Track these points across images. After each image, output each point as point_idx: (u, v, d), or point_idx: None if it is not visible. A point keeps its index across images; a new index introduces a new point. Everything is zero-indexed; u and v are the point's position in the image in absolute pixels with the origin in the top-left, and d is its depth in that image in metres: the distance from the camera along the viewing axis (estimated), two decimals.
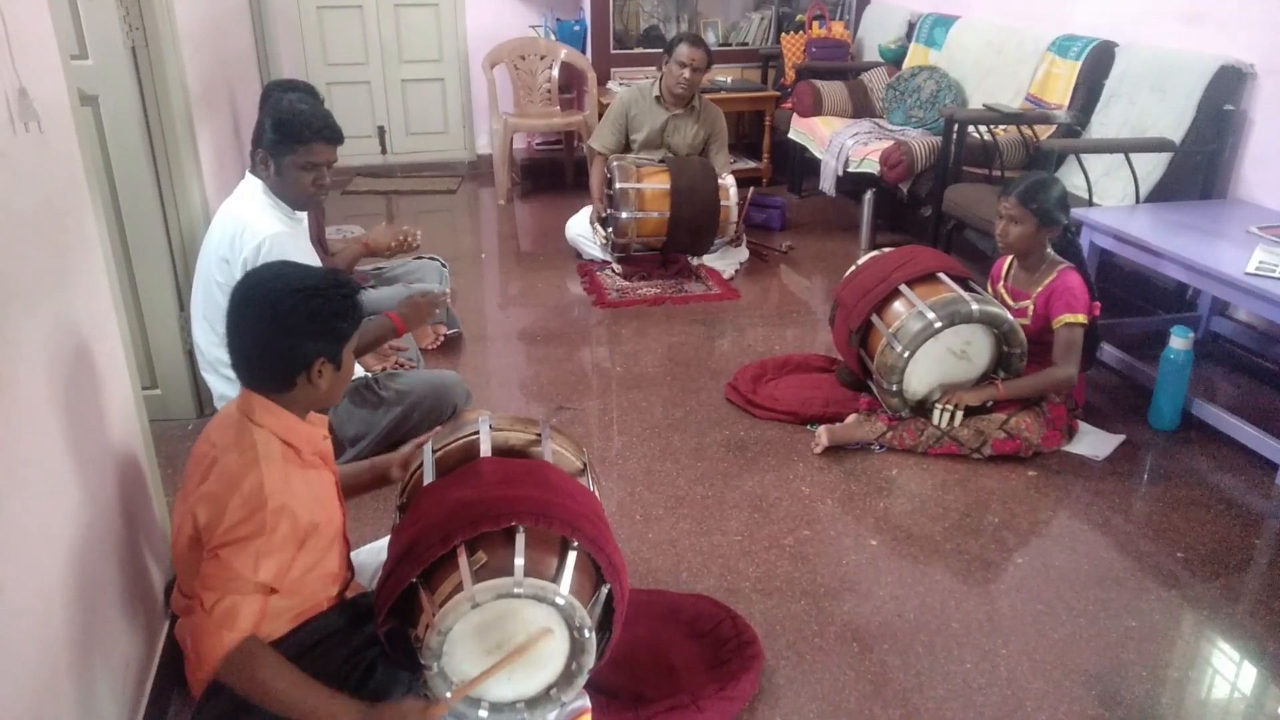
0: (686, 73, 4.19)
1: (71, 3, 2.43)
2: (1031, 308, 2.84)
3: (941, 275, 2.84)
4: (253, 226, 2.37)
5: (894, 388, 2.79)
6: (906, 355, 2.73)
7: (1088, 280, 2.83)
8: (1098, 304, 2.83)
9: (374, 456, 2.05)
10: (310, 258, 2.53)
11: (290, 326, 1.57)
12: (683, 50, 4.19)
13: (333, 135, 2.46)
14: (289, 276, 1.60)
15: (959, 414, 2.77)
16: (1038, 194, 2.75)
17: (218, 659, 1.47)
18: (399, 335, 2.51)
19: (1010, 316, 2.73)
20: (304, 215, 2.56)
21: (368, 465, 1.98)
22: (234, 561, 1.49)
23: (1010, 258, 2.97)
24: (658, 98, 4.33)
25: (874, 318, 2.87)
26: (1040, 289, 2.84)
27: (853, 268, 3.12)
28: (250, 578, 1.49)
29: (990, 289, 2.98)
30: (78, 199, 1.77)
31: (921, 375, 2.81)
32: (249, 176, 2.47)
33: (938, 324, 2.69)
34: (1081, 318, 2.75)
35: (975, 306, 2.69)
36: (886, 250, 3.13)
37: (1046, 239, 2.82)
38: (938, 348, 2.76)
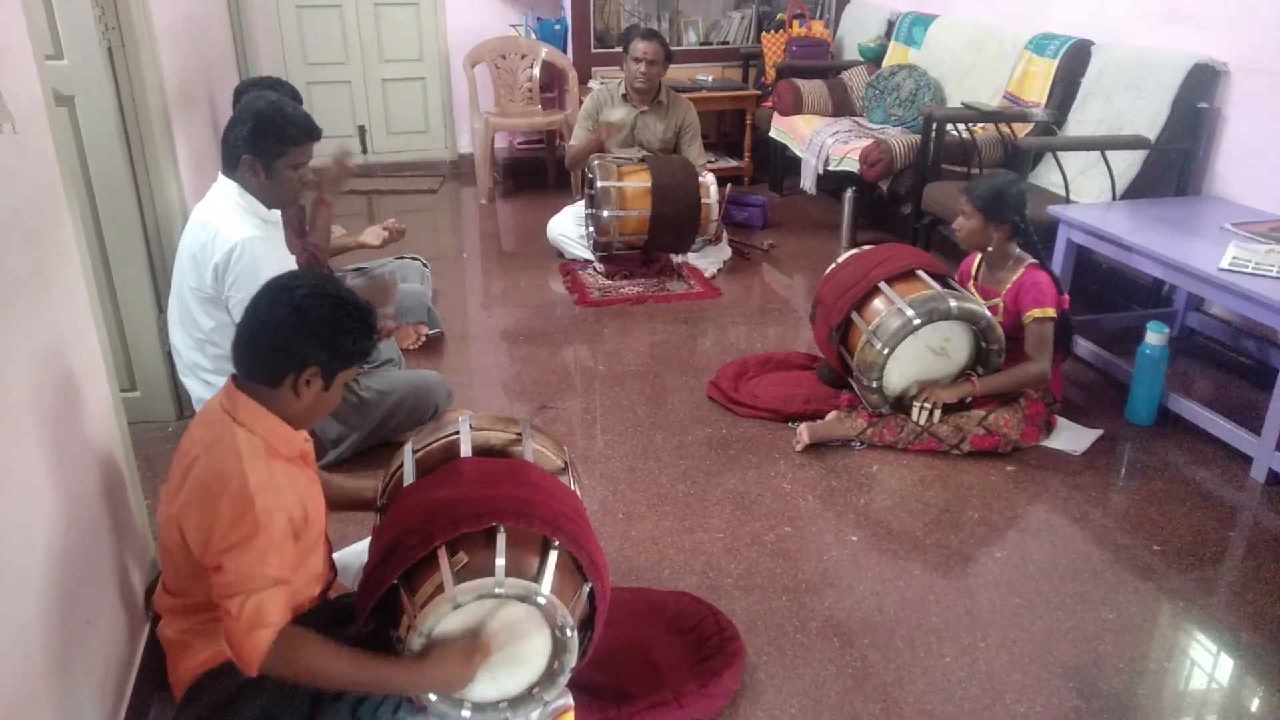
0: (642, 67, 4.21)
1: (46, 2, 2.41)
2: (1001, 305, 2.87)
3: (920, 273, 2.87)
4: (224, 232, 2.35)
5: (874, 384, 2.81)
6: (886, 352, 2.75)
7: (1053, 275, 2.87)
8: (1066, 297, 2.87)
9: (366, 474, 2.04)
10: (286, 259, 2.52)
11: (304, 325, 1.57)
12: (637, 46, 4.22)
13: (318, 133, 2.46)
14: (328, 286, 1.61)
15: (937, 411, 2.79)
16: (986, 192, 2.81)
17: (259, 659, 1.47)
18: None
19: (988, 313, 2.75)
20: (279, 215, 2.54)
21: (354, 486, 1.98)
22: (240, 564, 1.47)
23: (979, 257, 3.00)
24: (625, 96, 4.35)
25: (854, 315, 2.89)
26: (1008, 286, 2.87)
27: (833, 265, 3.14)
28: (261, 573, 1.48)
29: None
30: (54, 200, 1.75)
31: (901, 372, 2.83)
32: (221, 179, 2.44)
33: (916, 321, 2.71)
34: (1050, 312, 2.79)
35: (953, 303, 2.71)
36: (866, 248, 3.15)
37: (995, 236, 2.86)
38: (917, 345, 2.78)
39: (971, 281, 3.01)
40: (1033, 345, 2.81)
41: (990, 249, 2.90)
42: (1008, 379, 2.81)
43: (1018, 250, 2.90)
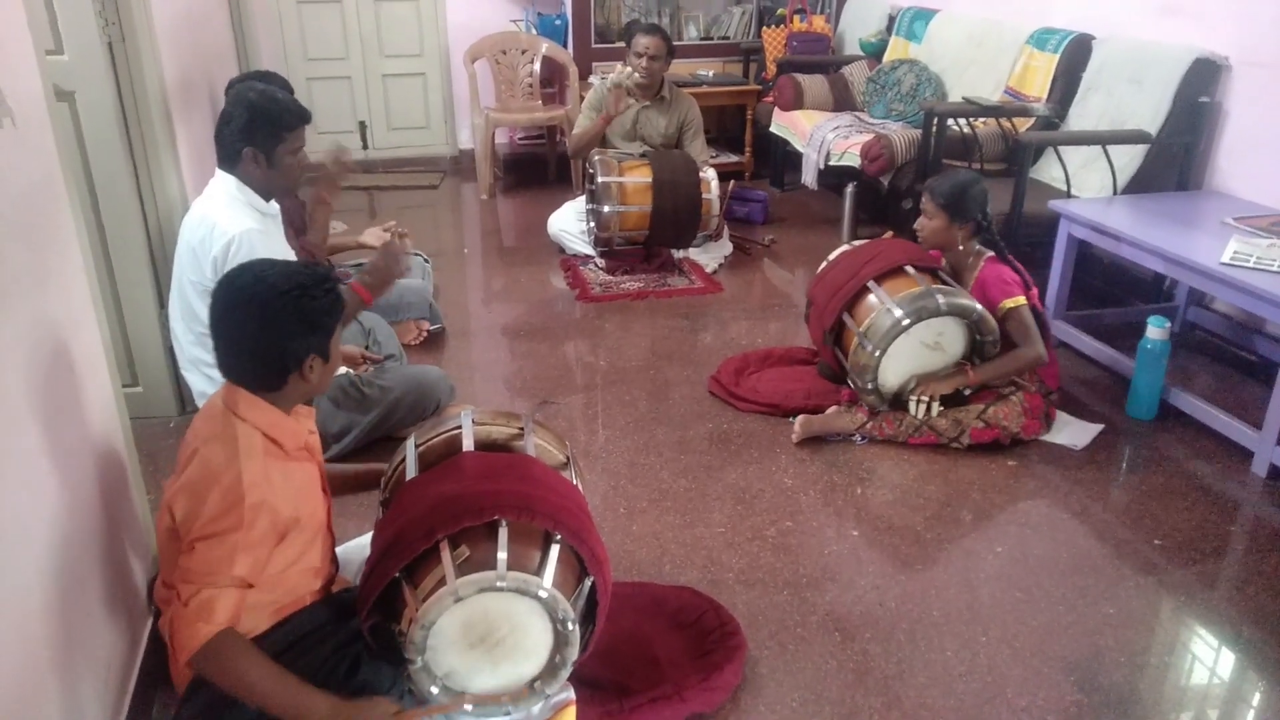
0: (644, 61, 4.21)
1: None
2: None
3: (909, 268, 2.85)
4: (221, 225, 2.36)
5: (869, 386, 2.80)
6: (878, 354, 2.74)
7: (1015, 269, 2.87)
8: (1035, 291, 2.87)
9: (353, 459, 2.06)
10: (285, 251, 2.53)
11: (280, 329, 1.58)
12: (639, 40, 4.21)
13: (309, 116, 2.49)
14: (272, 277, 1.59)
15: (935, 404, 2.79)
16: (950, 191, 2.81)
17: (193, 651, 1.48)
18: (367, 305, 2.51)
19: (979, 305, 2.74)
20: (276, 206, 2.55)
21: (364, 470, 1.99)
22: (210, 555, 1.49)
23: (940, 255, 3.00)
24: (627, 91, 4.34)
25: (845, 316, 2.88)
26: (972, 284, 2.87)
27: (825, 263, 3.13)
28: (226, 571, 1.49)
29: None
30: (54, 196, 1.75)
31: (896, 370, 2.82)
32: (219, 174, 2.45)
33: (905, 321, 2.70)
34: (1021, 299, 2.79)
35: (942, 300, 2.70)
36: (858, 243, 3.14)
37: (960, 235, 2.86)
38: (910, 342, 2.76)
39: None
40: (1018, 335, 2.80)
41: (960, 248, 2.90)
42: (1003, 365, 2.80)
43: (978, 246, 2.91)
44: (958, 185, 2.82)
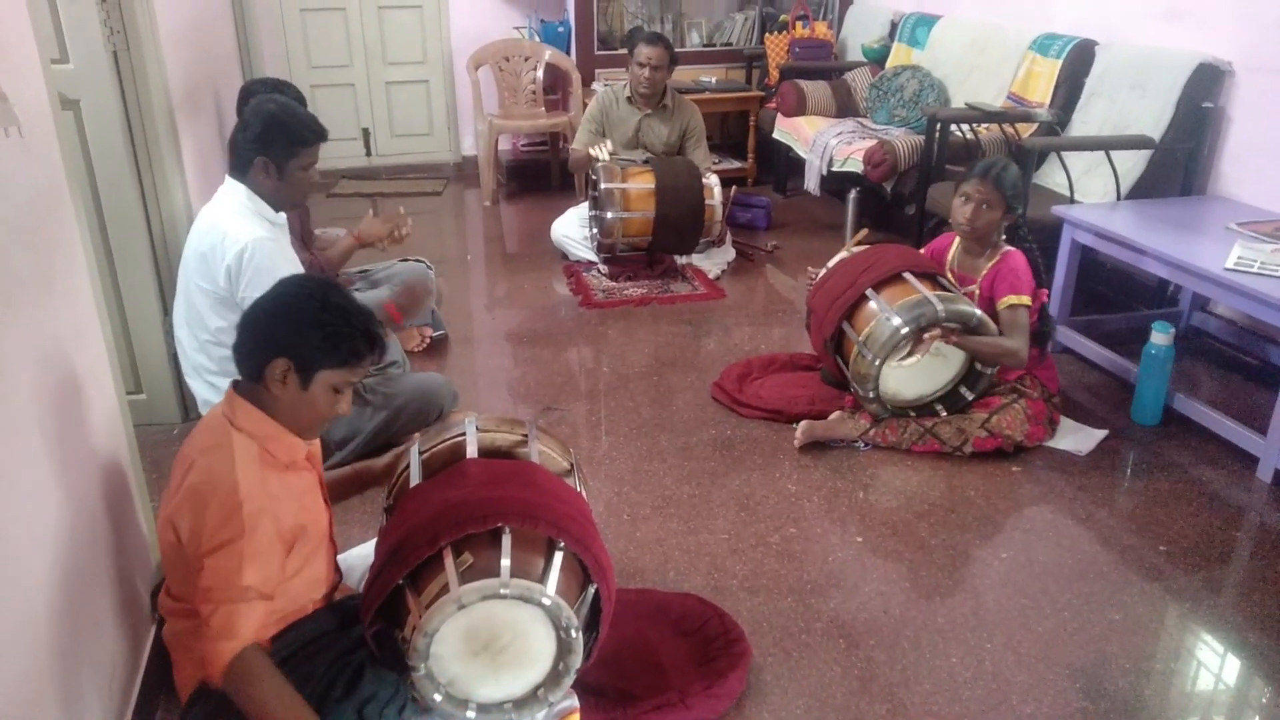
0: (646, 72, 4.21)
1: (52, 6, 2.41)
2: (977, 292, 2.85)
3: (907, 275, 2.83)
4: (232, 233, 2.37)
5: (870, 395, 2.80)
6: (878, 364, 2.73)
7: (1035, 266, 2.85)
8: (1045, 291, 2.85)
9: (357, 462, 2.06)
10: (294, 261, 2.53)
11: (275, 314, 1.59)
12: (641, 50, 4.22)
13: (325, 134, 2.50)
14: (317, 287, 1.62)
15: (941, 409, 2.77)
16: (1010, 179, 2.76)
17: (220, 670, 1.47)
18: (397, 324, 2.51)
19: (978, 311, 2.72)
20: (284, 218, 2.56)
21: (350, 471, 1.99)
22: (220, 568, 1.48)
23: (956, 241, 2.97)
24: (629, 99, 4.35)
25: (845, 325, 2.87)
26: (985, 272, 2.85)
27: (823, 271, 3.12)
28: (237, 582, 1.48)
29: None
30: (59, 203, 1.76)
31: (899, 377, 2.81)
32: (229, 181, 2.47)
33: (904, 330, 2.69)
34: (1026, 299, 2.76)
35: (940, 307, 2.68)
36: (856, 250, 3.12)
37: (1004, 226, 2.84)
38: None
39: (947, 269, 2.96)
40: (1009, 329, 2.75)
41: (1004, 238, 2.88)
42: (986, 344, 2.73)
43: (999, 238, 2.88)
44: (1015, 172, 2.77)
